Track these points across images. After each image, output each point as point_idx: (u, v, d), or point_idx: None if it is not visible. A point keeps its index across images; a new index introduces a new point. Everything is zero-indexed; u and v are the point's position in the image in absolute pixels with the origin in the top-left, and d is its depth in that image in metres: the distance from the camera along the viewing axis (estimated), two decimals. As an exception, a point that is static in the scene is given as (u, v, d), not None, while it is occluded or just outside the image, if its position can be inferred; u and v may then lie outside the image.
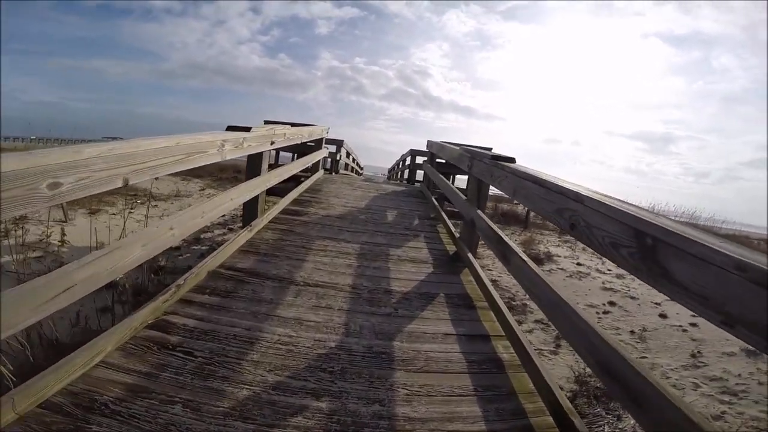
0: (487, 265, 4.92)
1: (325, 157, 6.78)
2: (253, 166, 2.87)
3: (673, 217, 1.49)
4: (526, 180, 1.90)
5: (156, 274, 5.03)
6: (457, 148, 3.69)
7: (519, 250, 2.03)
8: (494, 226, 2.43)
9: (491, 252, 3.32)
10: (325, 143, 7.51)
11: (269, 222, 3.27)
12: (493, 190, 2.92)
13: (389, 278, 2.58)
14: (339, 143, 7.82)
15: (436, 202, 4.59)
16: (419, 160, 7.82)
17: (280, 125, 3.24)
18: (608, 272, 7.96)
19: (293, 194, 4.09)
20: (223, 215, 4.58)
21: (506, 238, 2.20)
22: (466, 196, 3.14)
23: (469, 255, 2.91)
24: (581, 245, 6.19)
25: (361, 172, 16.05)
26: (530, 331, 4.04)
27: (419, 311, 2.18)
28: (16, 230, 4.47)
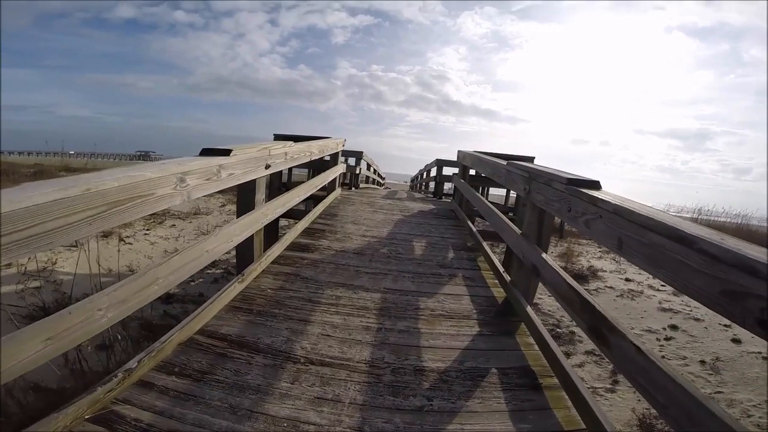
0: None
1: (343, 172, 6.18)
2: (244, 198, 2.24)
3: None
4: (653, 231, 1.14)
5: (166, 303, 4.54)
6: (502, 162, 2.94)
7: (625, 328, 1.28)
8: (575, 283, 1.66)
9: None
10: (342, 155, 6.92)
11: (271, 263, 2.64)
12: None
13: (420, 347, 1.90)
14: (358, 155, 7.20)
15: (472, 226, 3.84)
16: (447, 170, 7.08)
17: (279, 143, 2.60)
18: (663, 289, 6.91)
19: (303, 223, 3.46)
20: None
21: (600, 307, 1.44)
22: (522, 229, 2.38)
23: (528, 309, 2.15)
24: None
25: (382, 182, 15.44)
26: (581, 365, 3.55)
27: (463, 400, 1.54)
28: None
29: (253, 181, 2.18)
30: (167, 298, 4.17)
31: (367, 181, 9.52)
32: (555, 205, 1.87)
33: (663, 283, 7.10)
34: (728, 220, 9.66)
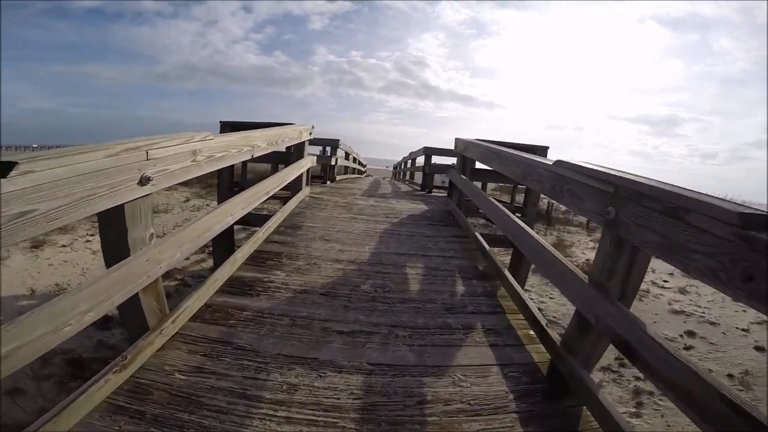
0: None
1: (312, 166, 5.11)
2: (105, 236, 1.23)
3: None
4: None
5: (103, 328, 3.52)
6: (544, 161, 2.01)
7: None
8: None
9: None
10: (314, 144, 5.85)
11: (190, 320, 1.66)
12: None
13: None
14: (333, 144, 6.14)
15: (480, 239, 2.91)
16: (437, 160, 6.13)
17: (199, 134, 1.55)
18: (666, 285, 6.39)
19: (251, 245, 2.44)
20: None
21: None
22: (593, 275, 1.44)
23: (593, 388, 1.30)
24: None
25: (363, 170, 14.36)
26: (599, 383, 2.93)
27: None
28: None
29: (119, 207, 1.16)
30: (104, 323, 3.35)
31: (345, 172, 8.46)
32: (697, 262, 0.94)
33: (666, 279, 6.53)
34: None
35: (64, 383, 2.81)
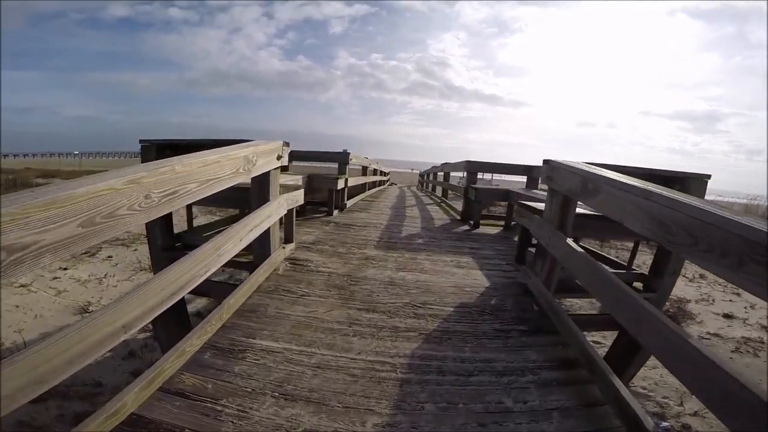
0: None
1: (339, 188, 3.50)
2: None
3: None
4: None
5: (36, 400, 2.16)
6: None
7: None
8: None
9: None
10: (316, 160, 4.27)
11: None
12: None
13: None
14: (341, 158, 4.51)
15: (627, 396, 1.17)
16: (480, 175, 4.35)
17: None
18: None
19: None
20: None
21: None
22: None
23: None
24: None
25: (386, 179, 12.71)
26: None
27: None
28: None
29: None
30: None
31: (363, 189, 6.83)
32: None
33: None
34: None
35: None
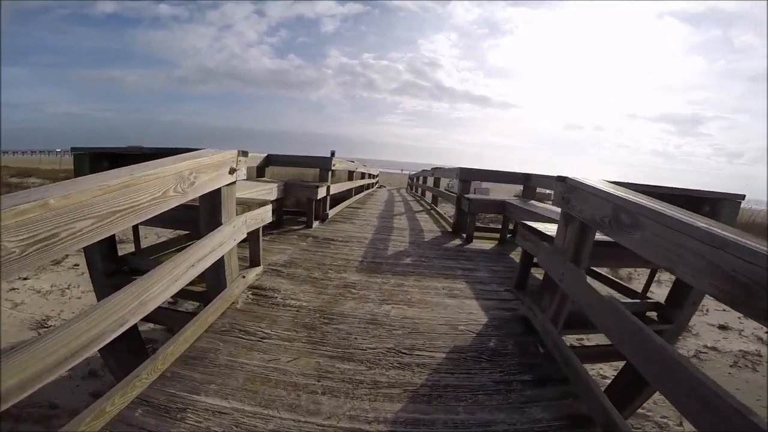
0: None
1: (319, 197, 3.13)
2: None
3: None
4: None
5: None
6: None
7: None
8: None
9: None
10: (294, 165, 3.90)
11: None
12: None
13: None
14: (323, 164, 4.12)
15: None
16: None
17: None
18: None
19: None
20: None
21: None
22: None
23: None
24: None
25: (374, 182, 12.35)
26: None
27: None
28: None
29: None
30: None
31: (350, 194, 6.45)
32: None
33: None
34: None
35: None
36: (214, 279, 1.84)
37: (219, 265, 1.77)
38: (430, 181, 8.46)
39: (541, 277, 2.15)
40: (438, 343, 1.80)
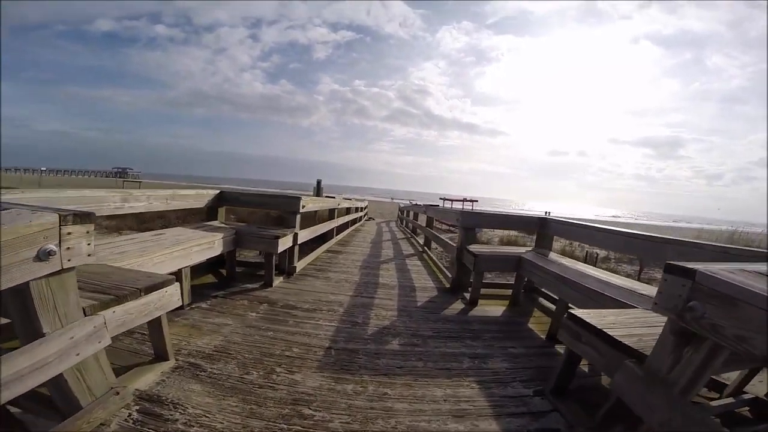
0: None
1: (285, 247, 2.26)
2: None
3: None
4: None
5: None
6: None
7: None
8: None
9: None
10: (257, 206, 3.16)
11: None
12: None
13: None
14: (292, 206, 3.32)
15: None
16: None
17: None
18: None
19: None
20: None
21: None
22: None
23: None
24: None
25: (362, 214, 11.57)
26: None
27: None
28: None
29: None
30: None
31: (331, 235, 5.61)
32: None
33: None
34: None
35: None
36: (62, 402, 0.98)
37: (61, 382, 0.92)
38: (422, 219, 7.70)
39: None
40: None
